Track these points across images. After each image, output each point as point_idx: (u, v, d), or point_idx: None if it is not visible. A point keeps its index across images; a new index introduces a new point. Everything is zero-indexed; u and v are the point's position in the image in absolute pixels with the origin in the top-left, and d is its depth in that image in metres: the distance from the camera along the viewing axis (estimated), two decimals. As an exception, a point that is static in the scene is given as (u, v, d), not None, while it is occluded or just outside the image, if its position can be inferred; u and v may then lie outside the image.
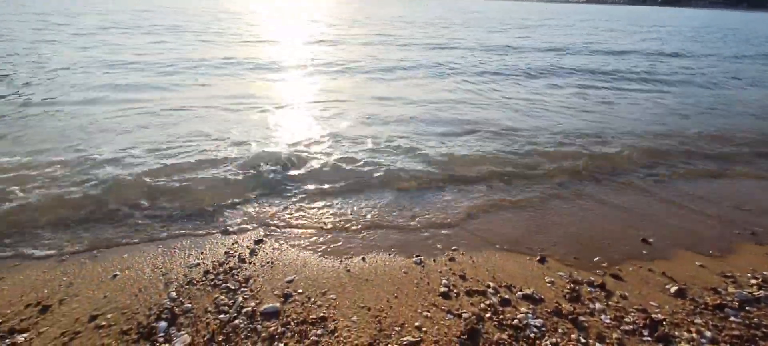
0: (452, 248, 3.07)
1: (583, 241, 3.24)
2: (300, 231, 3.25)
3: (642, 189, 4.25)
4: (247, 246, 2.98)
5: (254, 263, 2.78)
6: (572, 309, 2.42)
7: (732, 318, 2.39)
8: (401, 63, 11.36)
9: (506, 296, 2.53)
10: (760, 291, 2.63)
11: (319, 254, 2.95)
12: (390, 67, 10.62)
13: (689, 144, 5.64)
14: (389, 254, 2.97)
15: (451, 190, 4.06)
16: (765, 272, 2.86)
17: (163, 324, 2.18)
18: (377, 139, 5.24)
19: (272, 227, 3.28)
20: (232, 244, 3.00)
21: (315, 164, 4.43)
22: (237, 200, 3.64)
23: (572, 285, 2.66)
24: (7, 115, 5.58)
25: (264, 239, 3.10)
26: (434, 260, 2.90)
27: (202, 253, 2.87)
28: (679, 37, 23.36)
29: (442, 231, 3.31)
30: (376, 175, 4.25)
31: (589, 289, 2.65)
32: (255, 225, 3.29)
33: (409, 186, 4.10)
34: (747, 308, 2.49)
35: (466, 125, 6.07)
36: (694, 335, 2.25)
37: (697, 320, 2.36)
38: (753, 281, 2.76)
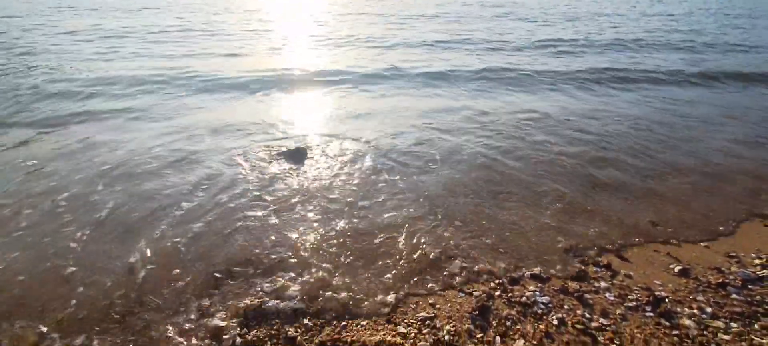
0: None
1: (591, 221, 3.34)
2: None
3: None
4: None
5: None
6: (578, 287, 2.56)
7: (734, 296, 2.49)
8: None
9: (515, 276, 2.68)
10: (764, 270, 2.72)
11: (337, 237, 3.12)
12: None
13: None
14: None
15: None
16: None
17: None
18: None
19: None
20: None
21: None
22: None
23: (579, 265, 2.79)
24: None
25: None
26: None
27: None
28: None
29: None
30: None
31: (594, 269, 2.77)
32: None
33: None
34: (749, 286, 2.58)
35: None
36: (695, 310, 2.36)
37: (700, 298, 2.48)
38: (757, 261, 2.85)
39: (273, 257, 2.81)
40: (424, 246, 2.96)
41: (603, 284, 2.61)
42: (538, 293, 2.51)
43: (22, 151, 4.47)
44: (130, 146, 4.60)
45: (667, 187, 3.89)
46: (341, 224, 3.19)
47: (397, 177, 3.98)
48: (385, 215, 3.32)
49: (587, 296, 2.49)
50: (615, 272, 2.74)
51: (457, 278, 2.66)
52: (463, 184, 3.87)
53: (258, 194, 3.59)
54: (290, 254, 2.84)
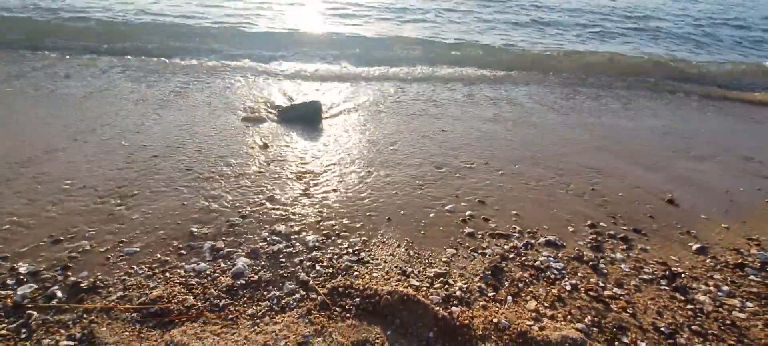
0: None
1: (609, 198, 3.28)
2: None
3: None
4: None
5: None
6: (593, 256, 2.53)
7: (752, 276, 2.45)
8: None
9: (530, 241, 2.65)
10: (784, 255, 2.66)
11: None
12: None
13: None
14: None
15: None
16: (791, 239, 2.87)
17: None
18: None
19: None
20: (270, 176, 3.18)
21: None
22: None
23: (595, 235, 2.75)
24: None
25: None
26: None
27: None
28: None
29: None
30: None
31: (611, 241, 2.73)
32: (289, 161, 3.45)
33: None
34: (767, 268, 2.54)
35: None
36: (711, 288, 2.33)
37: (716, 276, 2.44)
38: (778, 246, 2.79)
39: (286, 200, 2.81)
40: (442, 201, 2.93)
41: (618, 255, 2.58)
42: (551, 259, 2.49)
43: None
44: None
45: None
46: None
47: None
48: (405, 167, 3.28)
49: (602, 265, 2.46)
50: (631, 245, 2.70)
51: (472, 238, 2.64)
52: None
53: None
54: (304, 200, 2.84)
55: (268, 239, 2.48)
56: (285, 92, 5.27)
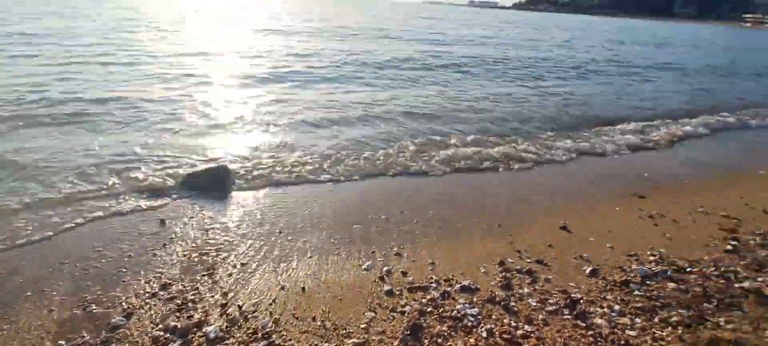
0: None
1: (508, 231, 3.51)
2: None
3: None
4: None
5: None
6: (504, 296, 2.63)
7: (636, 292, 2.74)
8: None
9: (447, 289, 2.68)
10: (657, 266, 3.05)
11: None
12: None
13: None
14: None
15: (393, 190, 4.17)
16: (660, 250, 3.31)
17: None
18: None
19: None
20: (165, 259, 2.82)
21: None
22: (168, 212, 3.41)
23: (503, 273, 2.89)
24: None
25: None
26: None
27: (129, 271, 2.66)
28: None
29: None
30: (318, 179, 4.22)
31: (518, 276, 2.89)
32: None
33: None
34: (647, 282, 2.87)
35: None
36: (606, 309, 2.55)
37: (609, 296, 2.69)
38: (651, 258, 3.19)
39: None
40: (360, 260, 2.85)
41: (526, 289, 2.72)
42: (467, 305, 2.53)
43: None
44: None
45: (576, 194, 4.25)
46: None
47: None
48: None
49: (512, 303, 2.57)
50: (536, 277, 2.87)
51: (390, 296, 2.59)
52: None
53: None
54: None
55: (160, 338, 2.15)
56: (190, 154, 4.86)
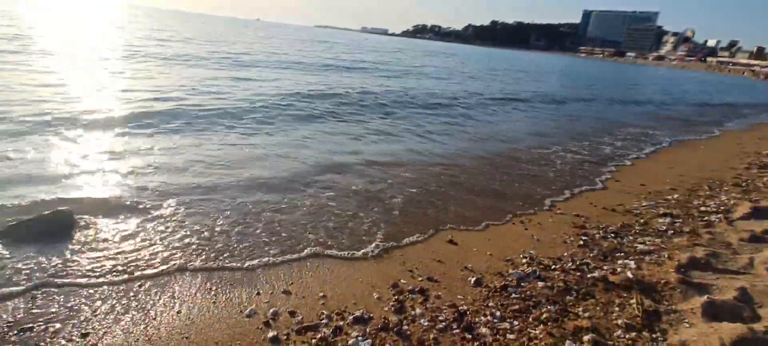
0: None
1: (405, 254, 3.54)
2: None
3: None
4: None
5: None
6: (397, 321, 2.58)
7: (513, 295, 2.96)
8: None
9: (339, 324, 2.53)
10: (529, 268, 3.36)
11: (112, 329, 2.35)
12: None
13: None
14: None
15: (282, 221, 3.90)
16: (530, 251, 3.67)
17: None
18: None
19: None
20: None
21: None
22: None
23: (397, 295, 2.86)
24: None
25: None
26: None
27: None
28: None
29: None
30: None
31: (411, 296, 2.88)
32: (6, 311, 2.40)
33: (235, 224, 3.74)
34: (523, 284, 3.13)
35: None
36: (489, 317, 2.68)
37: (491, 303, 2.84)
38: (524, 260, 3.51)
39: None
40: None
41: (418, 310, 2.72)
42: (361, 338, 2.41)
43: None
44: None
45: (460, 207, 4.53)
46: (118, 310, 2.42)
47: (203, 233, 3.38)
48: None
49: (405, 327, 2.53)
50: (427, 295, 2.91)
51: (275, 343, 2.32)
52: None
53: None
54: None
55: None
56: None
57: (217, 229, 3.63)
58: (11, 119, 6.09)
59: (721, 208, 4.97)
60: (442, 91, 15.50)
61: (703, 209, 4.99)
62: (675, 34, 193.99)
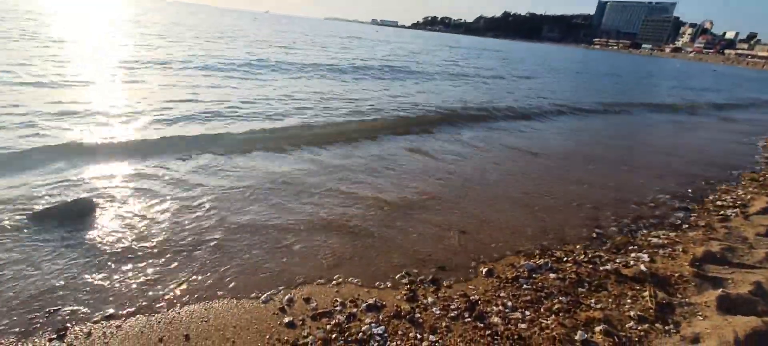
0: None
1: (418, 244, 3.57)
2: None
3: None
4: (21, 324, 2.23)
5: None
6: (409, 308, 2.63)
7: (524, 286, 2.98)
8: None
9: (352, 311, 2.58)
10: (541, 259, 3.37)
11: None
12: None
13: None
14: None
15: (295, 211, 3.96)
16: (544, 243, 3.67)
17: None
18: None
19: (63, 291, 2.56)
20: None
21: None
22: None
23: (409, 284, 2.90)
24: None
25: (49, 309, 2.38)
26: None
27: None
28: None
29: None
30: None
31: (423, 286, 2.92)
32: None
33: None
34: (534, 275, 3.14)
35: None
36: (500, 306, 2.71)
37: (502, 294, 2.86)
38: (537, 252, 3.52)
39: None
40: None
41: (430, 299, 2.76)
42: (374, 324, 2.46)
43: None
44: None
45: (472, 199, 4.54)
46: (140, 294, 2.51)
47: (219, 222, 3.46)
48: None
49: (418, 315, 2.57)
50: (439, 284, 2.94)
51: (291, 328, 2.39)
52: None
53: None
54: None
55: None
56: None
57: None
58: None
59: (738, 202, 4.90)
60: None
61: (719, 203, 4.92)
62: (693, 25, 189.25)
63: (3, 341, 2.14)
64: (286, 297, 2.67)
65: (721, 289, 2.86)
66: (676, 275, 3.12)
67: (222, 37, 25.04)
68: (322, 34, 47.21)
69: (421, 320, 2.54)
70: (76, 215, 3.46)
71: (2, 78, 7.96)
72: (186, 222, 3.53)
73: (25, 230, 3.17)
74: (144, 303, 2.51)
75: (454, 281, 3.01)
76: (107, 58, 12.34)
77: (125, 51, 14.24)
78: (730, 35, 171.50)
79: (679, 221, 4.30)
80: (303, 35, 38.51)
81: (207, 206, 3.87)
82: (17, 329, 2.21)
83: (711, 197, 5.12)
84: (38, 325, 2.26)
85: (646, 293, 2.86)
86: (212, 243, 3.24)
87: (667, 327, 2.53)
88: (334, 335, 2.35)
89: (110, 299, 2.53)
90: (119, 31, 21.54)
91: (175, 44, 18.12)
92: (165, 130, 6.15)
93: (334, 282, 2.89)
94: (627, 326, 2.55)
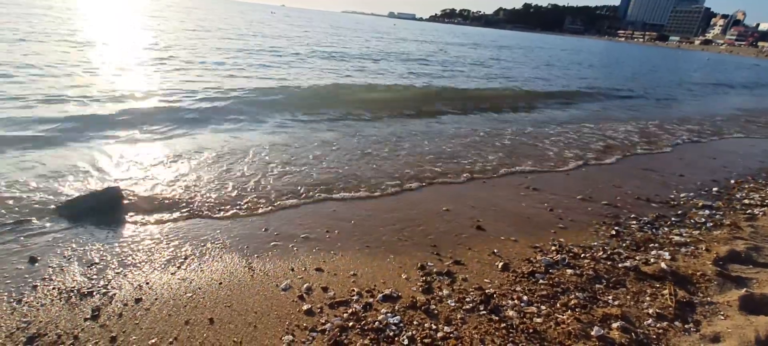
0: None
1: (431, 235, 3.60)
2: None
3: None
4: (58, 304, 2.38)
5: (69, 325, 2.23)
6: (425, 300, 2.67)
7: (541, 281, 2.97)
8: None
9: (369, 301, 2.64)
10: (558, 255, 3.35)
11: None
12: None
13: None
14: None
15: (313, 203, 4.04)
16: (560, 240, 3.65)
17: None
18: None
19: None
20: (35, 306, 2.35)
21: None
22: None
23: (424, 277, 2.94)
24: None
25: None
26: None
27: None
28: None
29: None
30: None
31: (438, 279, 2.96)
32: (70, 276, 2.66)
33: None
34: (551, 271, 3.13)
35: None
36: (516, 300, 2.72)
37: (518, 288, 2.87)
38: (553, 248, 3.50)
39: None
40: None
41: (445, 291, 2.79)
42: (389, 314, 2.51)
43: None
44: None
45: (488, 193, 4.52)
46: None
47: (240, 212, 3.56)
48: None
49: (433, 306, 2.61)
50: (454, 278, 2.97)
51: (310, 315, 2.46)
52: (314, 211, 3.71)
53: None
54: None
55: (23, 405, 1.77)
56: (74, 174, 4.18)
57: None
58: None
59: (766, 201, 4.73)
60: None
61: (746, 201, 4.76)
62: (724, 16, 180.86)
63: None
64: (305, 286, 2.75)
65: (745, 289, 2.80)
66: (698, 273, 3.05)
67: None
68: (379, 30, 46.93)
69: (436, 311, 2.58)
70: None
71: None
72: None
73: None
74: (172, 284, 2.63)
75: (469, 274, 3.03)
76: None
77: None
78: (763, 26, 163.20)
79: (703, 219, 4.19)
80: (360, 32, 38.00)
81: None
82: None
83: (738, 195, 4.96)
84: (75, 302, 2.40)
85: (666, 291, 2.82)
86: (234, 232, 3.34)
87: (686, 326, 2.50)
88: (350, 323, 2.41)
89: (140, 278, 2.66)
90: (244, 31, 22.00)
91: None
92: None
93: (352, 272, 2.95)
94: (645, 323, 2.52)
